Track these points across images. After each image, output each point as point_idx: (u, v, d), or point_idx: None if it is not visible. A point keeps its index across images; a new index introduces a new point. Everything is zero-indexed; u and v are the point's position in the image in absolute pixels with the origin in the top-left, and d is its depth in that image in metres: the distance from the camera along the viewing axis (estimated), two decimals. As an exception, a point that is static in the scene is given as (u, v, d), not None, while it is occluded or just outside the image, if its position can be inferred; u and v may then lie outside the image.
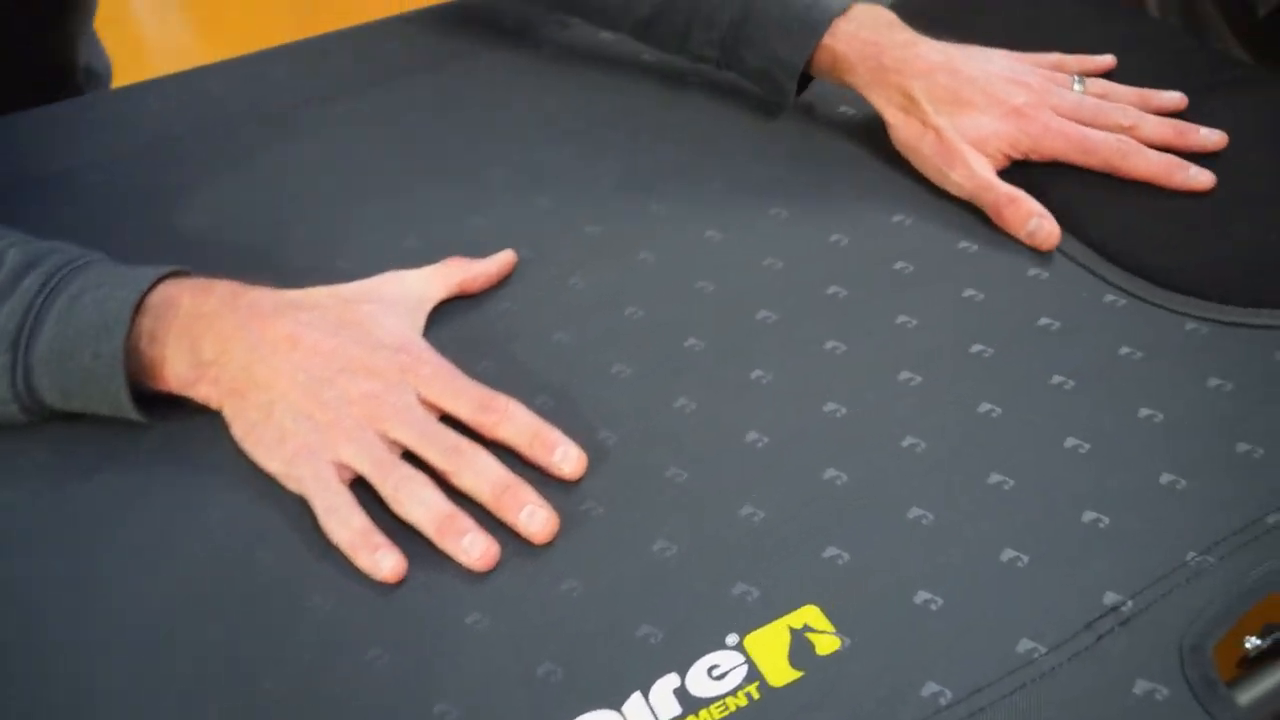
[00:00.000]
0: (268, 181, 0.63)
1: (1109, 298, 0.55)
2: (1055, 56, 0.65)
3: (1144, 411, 0.49)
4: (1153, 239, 0.57)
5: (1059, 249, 0.57)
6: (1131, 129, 0.61)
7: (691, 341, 0.53)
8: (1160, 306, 0.54)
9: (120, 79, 0.82)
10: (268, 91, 0.70)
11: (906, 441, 0.48)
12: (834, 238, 0.58)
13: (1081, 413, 0.49)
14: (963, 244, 0.58)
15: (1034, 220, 0.56)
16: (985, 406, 0.49)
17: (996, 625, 0.40)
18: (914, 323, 0.53)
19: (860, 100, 0.63)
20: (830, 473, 0.47)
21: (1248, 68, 0.69)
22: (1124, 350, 0.52)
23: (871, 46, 0.60)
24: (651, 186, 0.62)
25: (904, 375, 0.51)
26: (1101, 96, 0.62)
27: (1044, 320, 0.53)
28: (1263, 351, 0.51)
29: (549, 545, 0.45)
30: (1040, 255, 0.57)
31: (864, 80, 0.61)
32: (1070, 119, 0.60)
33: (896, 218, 0.59)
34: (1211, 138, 0.61)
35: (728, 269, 0.57)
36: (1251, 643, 0.39)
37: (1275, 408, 0.49)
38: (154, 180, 0.63)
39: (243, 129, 0.67)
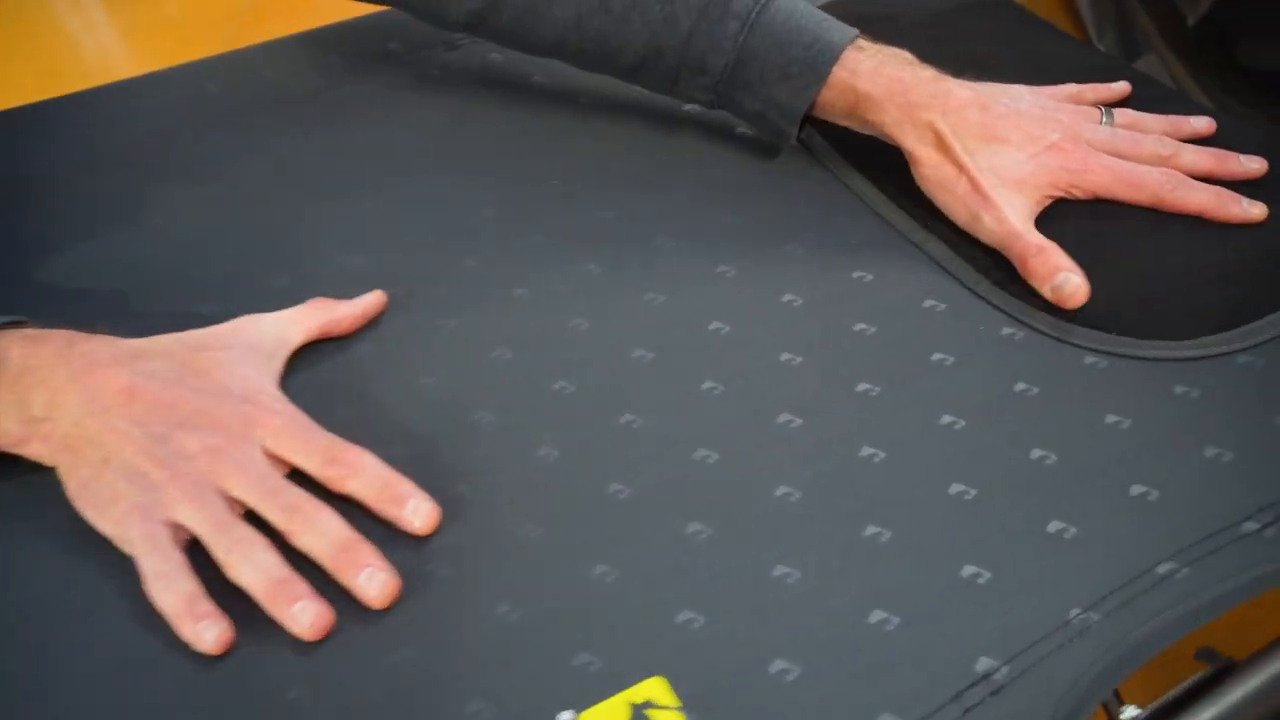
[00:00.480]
0: (129, 219, 0.60)
1: (1007, 330, 0.51)
2: (1072, 88, 0.61)
3: (1036, 453, 0.45)
4: None
5: (959, 282, 0.54)
6: (1171, 159, 0.57)
7: (560, 385, 0.50)
8: (1059, 339, 0.51)
9: None
10: (143, 120, 0.67)
11: (780, 491, 0.44)
12: (721, 268, 0.55)
13: (970, 456, 0.46)
14: (856, 274, 0.55)
15: (1061, 275, 0.51)
16: (868, 450, 0.46)
17: (857, 697, 0.37)
18: (798, 360, 0.50)
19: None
20: (693, 526, 0.43)
21: (1163, 87, 0.66)
22: (1020, 386, 0.49)
23: (898, 83, 0.56)
24: (533, 219, 0.59)
25: (784, 417, 0.48)
26: (1131, 127, 0.58)
27: (938, 355, 0.50)
28: (1162, 385, 0.48)
29: (388, 610, 0.41)
30: (937, 286, 0.54)
31: (893, 119, 0.56)
32: (1108, 153, 0.56)
33: (789, 247, 0.56)
34: (1252, 165, 0.57)
35: (607, 306, 0.53)
36: (1128, 713, 0.35)
37: (1171, 447, 0.45)
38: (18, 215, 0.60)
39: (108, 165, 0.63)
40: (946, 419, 0.47)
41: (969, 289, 0.53)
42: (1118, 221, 0.55)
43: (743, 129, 0.64)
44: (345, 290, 0.53)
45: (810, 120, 0.60)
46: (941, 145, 0.55)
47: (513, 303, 0.54)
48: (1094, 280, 0.52)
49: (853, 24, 0.58)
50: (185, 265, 0.57)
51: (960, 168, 0.55)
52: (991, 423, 0.47)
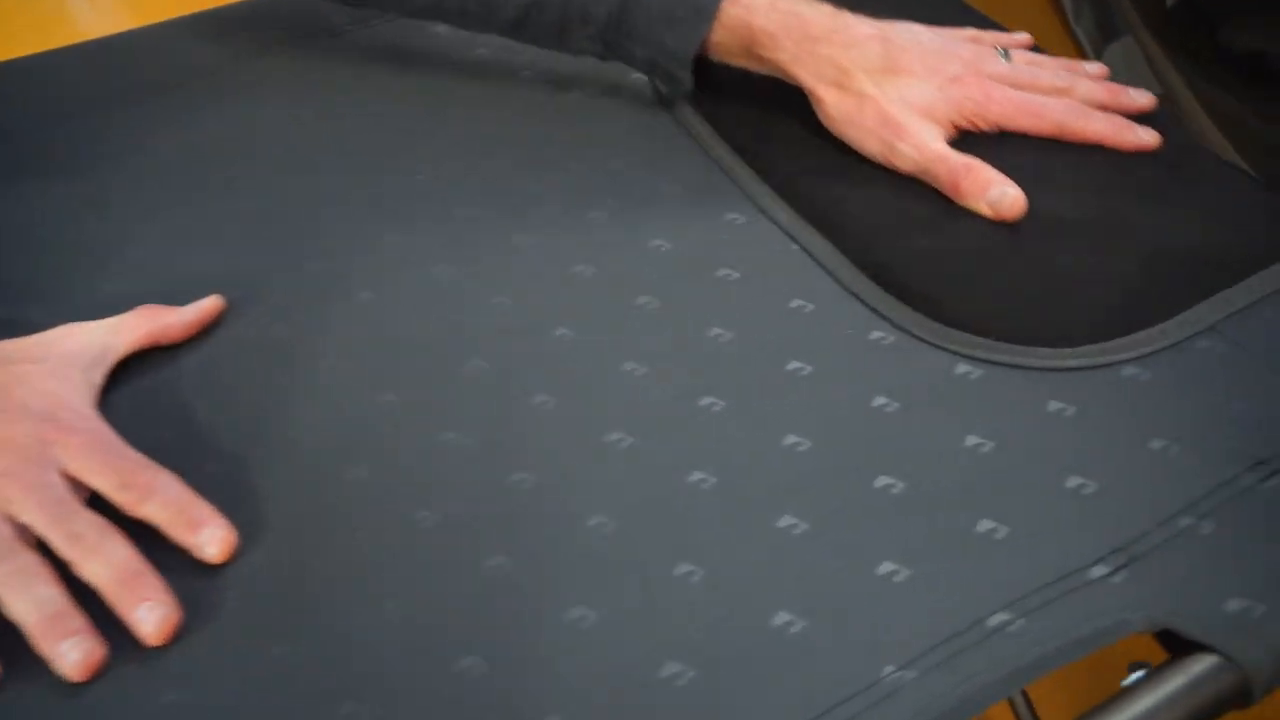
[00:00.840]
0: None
1: (876, 334, 0.47)
2: (971, 31, 0.59)
3: (881, 481, 0.41)
4: (937, 266, 0.49)
5: (832, 277, 0.50)
6: (1068, 91, 0.56)
7: (389, 398, 0.46)
8: (931, 344, 0.46)
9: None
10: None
11: (592, 521, 0.41)
12: (578, 268, 0.51)
13: (808, 481, 0.41)
14: (722, 271, 0.50)
15: (996, 189, 0.50)
16: (696, 475, 0.42)
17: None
18: (641, 370, 0.46)
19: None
20: (495, 560, 0.40)
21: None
22: (878, 401, 0.44)
23: (795, 19, 0.54)
24: (387, 218, 0.55)
25: (614, 435, 0.44)
26: (1028, 65, 0.57)
27: (794, 364, 0.46)
28: (1034, 400, 0.44)
29: (166, 647, 0.39)
30: (805, 284, 0.49)
31: (790, 55, 0.54)
32: (1008, 85, 0.55)
33: (655, 242, 0.52)
34: (1141, 99, 0.57)
35: (446, 315, 0.50)
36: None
37: (1029, 475, 0.41)
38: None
39: None
40: (791, 439, 0.43)
41: (843, 286, 0.49)
42: (998, 226, 0.51)
43: (623, 114, 0.60)
44: (187, 295, 0.50)
45: (707, 65, 0.57)
46: (844, 80, 0.53)
47: (354, 309, 0.50)
48: (975, 281, 0.48)
49: None
50: (11, 269, 0.53)
51: (865, 99, 0.53)
52: (837, 445, 0.43)
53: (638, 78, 0.61)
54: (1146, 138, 0.54)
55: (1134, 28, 1.15)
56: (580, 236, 0.53)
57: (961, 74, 0.54)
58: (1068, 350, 0.46)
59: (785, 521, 0.40)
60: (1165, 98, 1.10)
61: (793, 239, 0.51)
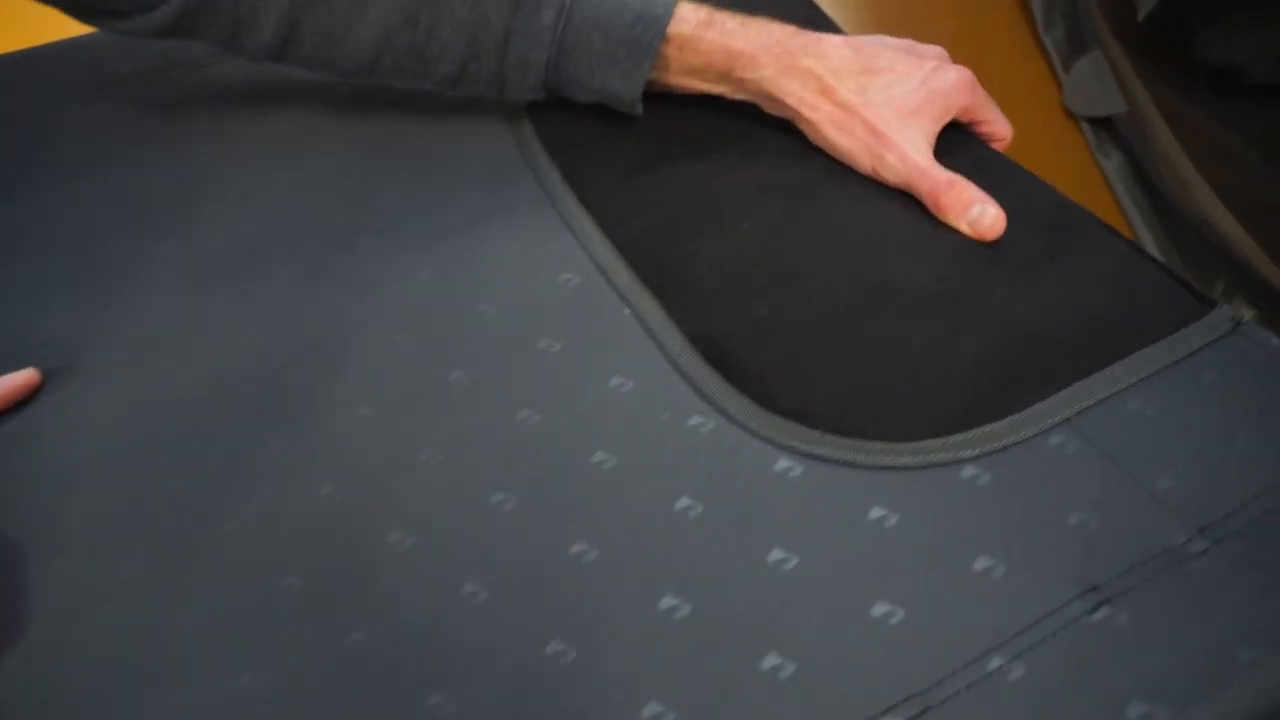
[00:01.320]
0: None
1: (695, 420, 0.43)
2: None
3: (666, 602, 0.37)
4: (772, 341, 0.45)
5: (661, 350, 0.45)
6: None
7: (171, 484, 0.42)
8: (752, 434, 0.42)
9: None
10: None
11: (353, 637, 0.37)
12: (397, 338, 0.47)
13: (581, 606, 0.37)
14: (543, 342, 0.46)
15: (977, 208, 0.48)
16: (469, 588, 0.38)
17: None
18: (437, 459, 0.42)
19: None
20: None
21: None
22: (682, 503, 0.40)
23: (769, 36, 0.52)
24: (213, 276, 0.51)
25: (394, 536, 0.40)
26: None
27: (599, 455, 0.42)
28: (855, 503, 0.39)
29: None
30: (630, 358, 0.45)
31: (773, 72, 0.52)
32: None
33: (481, 308, 0.48)
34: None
35: (254, 392, 0.46)
36: None
37: (831, 600, 0.37)
38: None
39: None
40: (579, 547, 0.39)
41: (670, 360, 0.45)
42: (848, 297, 0.46)
43: (475, 160, 0.56)
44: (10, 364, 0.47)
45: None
46: (826, 90, 0.51)
47: (159, 373, 0.47)
48: (810, 361, 0.44)
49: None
50: None
51: (852, 108, 0.51)
52: (626, 557, 0.38)
53: (499, 116, 0.57)
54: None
55: (1104, 40, 1.10)
56: (404, 302, 0.48)
57: (937, 66, 0.52)
58: (904, 446, 0.41)
59: (553, 648, 0.36)
60: (1132, 113, 1.05)
61: (627, 304, 0.47)
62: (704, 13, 0.53)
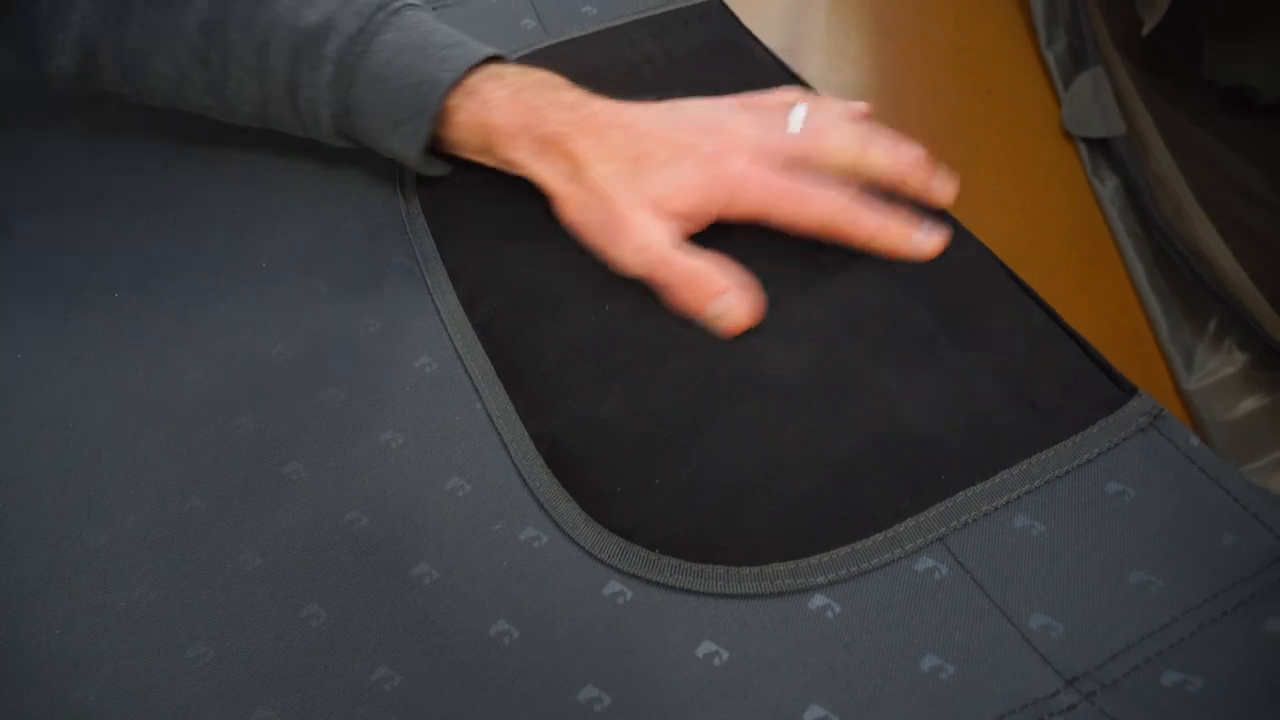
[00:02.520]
0: None
1: (529, 532, 0.39)
2: (784, 90, 0.50)
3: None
4: (616, 445, 0.41)
5: (505, 449, 0.42)
6: (860, 157, 0.46)
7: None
8: (587, 553, 0.38)
9: None
10: None
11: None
12: (238, 421, 0.44)
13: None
14: (386, 435, 0.43)
15: (719, 302, 0.43)
16: (263, 712, 0.35)
17: None
18: (256, 561, 0.39)
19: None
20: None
21: None
22: (497, 627, 0.36)
23: (533, 113, 0.47)
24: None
25: (196, 650, 0.37)
26: (819, 131, 0.47)
27: (421, 567, 0.38)
28: (685, 637, 0.36)
29: None
30: (473, 456, 0.42)
31: (527, 153, 0.48)
32: (782, 159, 0.46)
33: (329, 391, 0.45)
34: (946, 191, 0.48)
35: (69, 467, 0.43)
36: None
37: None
38: None
39: None
40: (382, 672, 0.36)
41: (513, 462, 0.41)
42: (704, 389, 0.42)
43: (351, 214, 0.52)
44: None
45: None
46: (579, 174, 0.46)
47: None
48: (655, 469, 0.40)
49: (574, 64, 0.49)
50: None
51: (597, 194, 0.46)
52: (428, 684, 0.35)
53: (385, 169, 0.53)
54: (926, 246, 0.46)
55: (1106, 57, 1.03)
56: (249, 379, 0.45)
57: (716, 152, 0.45)
58: (748, 570, 0.37)
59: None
60: (1130, 135, 0.98)
61: (478, 395, 0.44)
62: (481, 77, 0.48)
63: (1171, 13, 0.94)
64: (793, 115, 0.47)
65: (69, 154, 0.56)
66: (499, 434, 0.42)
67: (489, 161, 0.50)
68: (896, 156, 0.47)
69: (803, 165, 0.46)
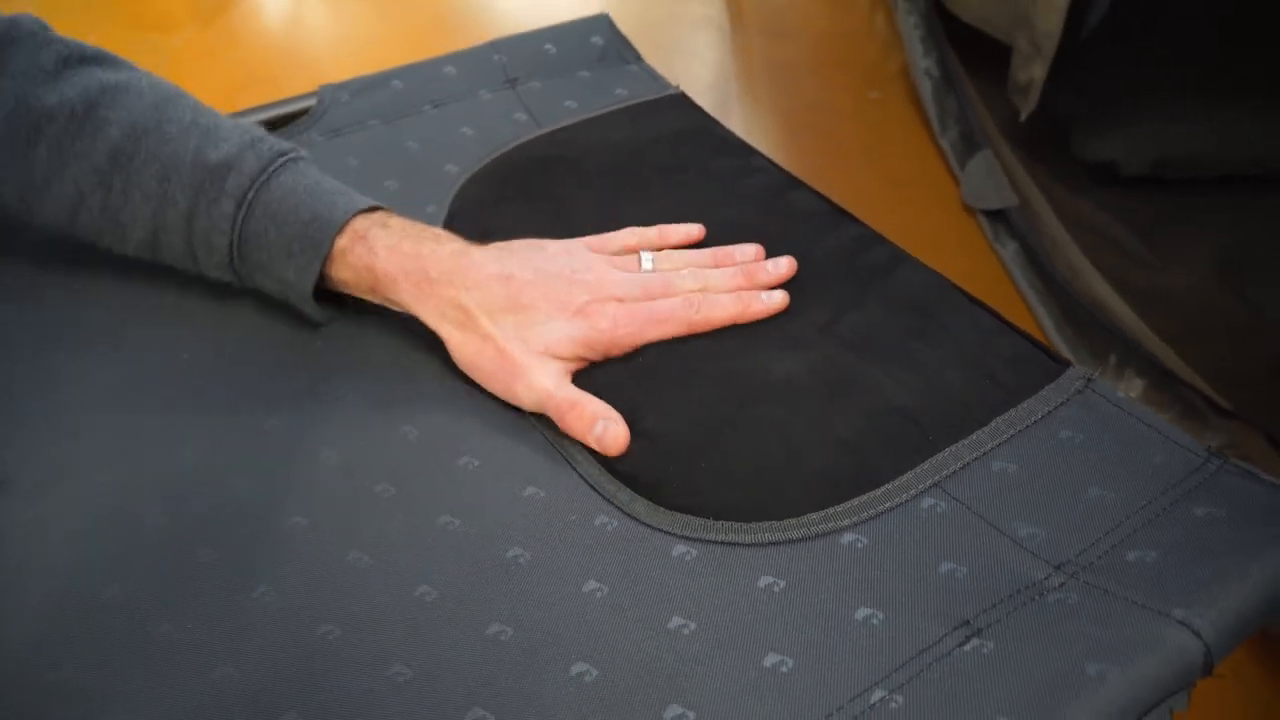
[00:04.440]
0: None
1: (601, 519, 0.47)
2: (628, 235, 0.59)
3: (577, 668, 0.40)
4: (664, 448, 0.49)
5: (569, 465, 0.50)
6: (703, 290, 0.55)
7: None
8: (651, 528, 0.46)
9: None
10: None
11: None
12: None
13: (501, 675, 0.41)
14: (464, 460, 0.50)
15: (600, 424, 0.49)
16: (396, 668, 0.41)
17: None
18: (366, 559, 0.46)
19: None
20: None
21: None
22: (589, 586, 0.44)
23: (415, 260, 0.53)
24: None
25: (324, 628, 0.43)
26: (673, 270, 0.56)
27: (514, 551, 0.45)
28: (745, 575, 0.43)
29: None
30: (543, 471, 0.49)
31: (412, 296, 0.53)
32: (642, 299, 0.54)
33: (404, 428, 0.52)
34: (779, 269, 0.57)
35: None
36: None
37: (724, 657, 0.40)
38: None
39: None
40: (494, 628, 0.42)
41: (579, 473, 0.49)
42: (731, 395, 0.51)
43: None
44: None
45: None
46: (467, 321, 0.52)
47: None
48: (697, 460, 0.48)
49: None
50: None
51: (487, 340, 0.52)
52: (537, 633, 0.42)
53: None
54: (771, 303, 0.55)
55: (993, 140, 1.19)
56: (331, 425, 0.52)
57: (587, 304, 0.52)
58: (789, 522, 0.45)
59: (473, 715, 0.39)
60: (1023, 205, 1.13)
61: (538, 428, 0.52)
62: (368, 223, 0.54)
63: (1041, 102, 1.10)
64: (643, 258, 0.56)
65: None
66: (561, 453, 0.50)
67: (375, 300, 0.55)
68: (731, 277, 0.55)
69: (654, 296, 0.54)
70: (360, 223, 0.54)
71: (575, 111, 0.72)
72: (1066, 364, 0.51)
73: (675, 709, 0.39)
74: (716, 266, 0.57)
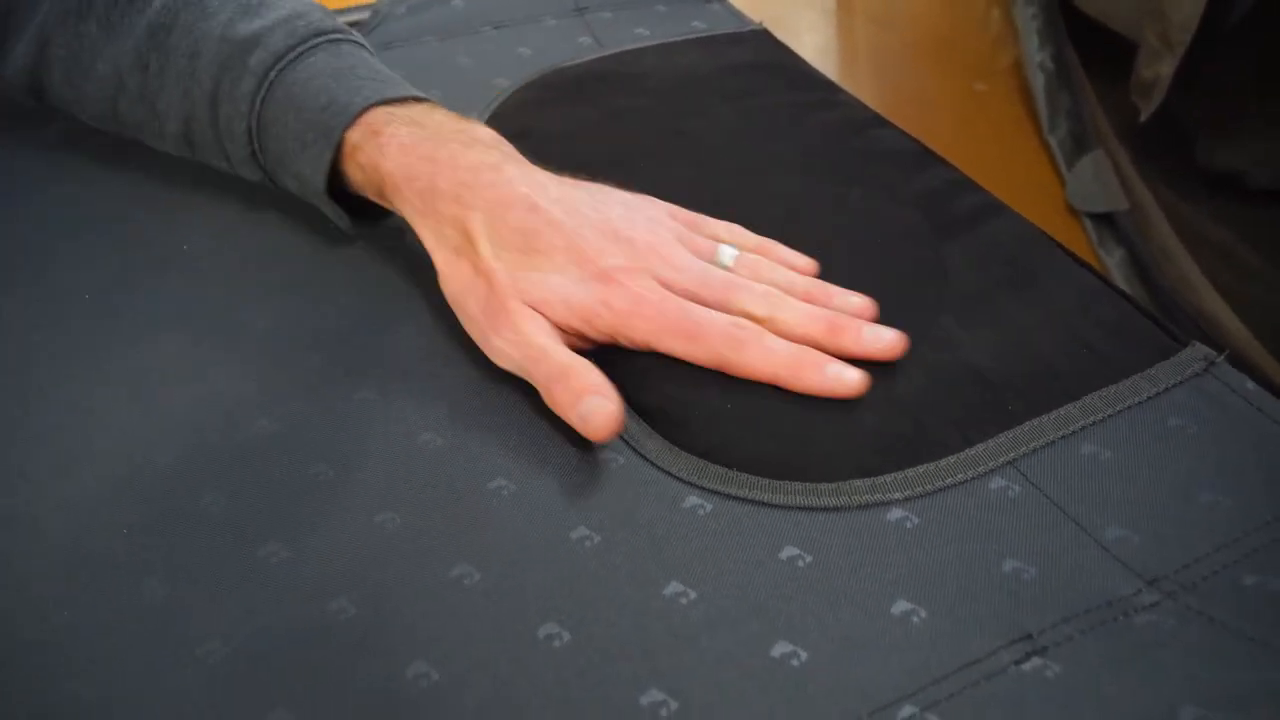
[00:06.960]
0: None
1: (607, 454, 0.40)
2: (723, 224, 0.47)
3: (546, 629, 0.33)
4: (691, 389, 0.41)
5: None
6: (767, 321, 0.42)
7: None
8: (663, 471, 0.39)
9: None
10: None
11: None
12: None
13: (466, 627, 0.34)
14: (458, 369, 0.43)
15: (589, 400, 0.38)
16: (340, 603, 0.34)
17: None
18: (331, 472, 0.39)
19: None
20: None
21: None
22: (578, 533, 0.37)
23: (428, 164, 0.43)
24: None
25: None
26: (752, 278, 0.44)
27: (498, 482, 0.39)
28: (766, 542, 0.36)
29: None
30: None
31: (413, 208, 0.44)
32: (686, 294, 0.42)
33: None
34: (877, 342, 0.42)
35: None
36: None
37: (727, 640, 0.33)
38: None
39: None
40: (459, 570, 0.35)
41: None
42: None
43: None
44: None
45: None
46: (467, 245, 0.42)
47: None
48: (729, 404, 0.40)
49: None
50: None
51: (481, 272, 0.42)
52: (509, 582, 0.35)
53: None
54: (844, 381, 0.40)
55: (1106, 141, 1.09)
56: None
57: (616, 269, 0.41)
58: (826, 486, 0.38)
59: (413, 670, 0.32)
60: (1134, 209, 1.03)
61: None
62: (389, 116, 0.45)
63: (1162, 104, 1.00)
64: (722, 251, 0.44)
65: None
66: None
67: (389, 207, 0.46)
68: (809, 320, 0.42)
69: (705, 297, 0.42)
70: (377, 115, 0.45)
71: (646, 39, 0.65)
72: (1185, 341, 0.43)
73: (655, 694, 0.31)
74: (806, 300, 0.43)
